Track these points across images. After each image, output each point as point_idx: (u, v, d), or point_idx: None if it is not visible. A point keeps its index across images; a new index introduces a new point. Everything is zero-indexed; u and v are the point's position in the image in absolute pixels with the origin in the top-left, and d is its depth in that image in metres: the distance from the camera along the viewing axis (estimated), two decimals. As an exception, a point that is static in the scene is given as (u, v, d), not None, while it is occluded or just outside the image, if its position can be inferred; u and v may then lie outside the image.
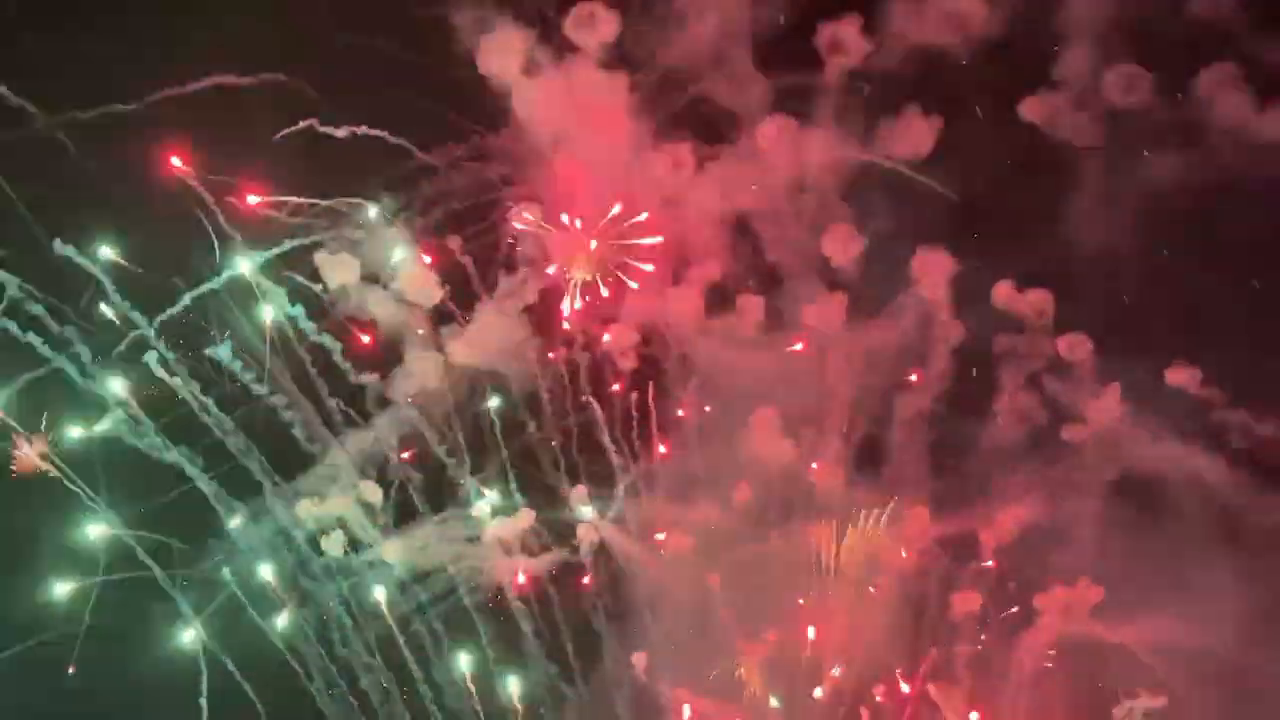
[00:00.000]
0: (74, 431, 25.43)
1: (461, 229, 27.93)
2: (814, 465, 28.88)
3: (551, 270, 28.38)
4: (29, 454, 24.80)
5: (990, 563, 28.86)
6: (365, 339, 27.56)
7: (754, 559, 29.16)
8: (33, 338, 24.86)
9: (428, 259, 27.33)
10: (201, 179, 25.88)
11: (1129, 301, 27.01)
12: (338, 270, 26.57)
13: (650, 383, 29.39)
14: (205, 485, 26.26)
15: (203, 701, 26.00)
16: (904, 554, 28.83)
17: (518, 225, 27.97)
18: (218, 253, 26.32)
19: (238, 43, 25.08)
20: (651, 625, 29.35)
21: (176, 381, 26.22)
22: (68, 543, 25.29)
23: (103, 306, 25.66)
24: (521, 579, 28.41)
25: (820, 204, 27.78)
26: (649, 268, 28.19)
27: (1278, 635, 26.52)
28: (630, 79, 26.91)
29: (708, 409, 29.00)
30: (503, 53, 26.22)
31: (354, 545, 27.25)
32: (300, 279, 27.10)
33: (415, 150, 27.38)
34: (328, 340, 27.51)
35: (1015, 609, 28.95)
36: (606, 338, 28.79)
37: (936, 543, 28.94)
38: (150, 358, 26.02)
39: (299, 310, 27.21)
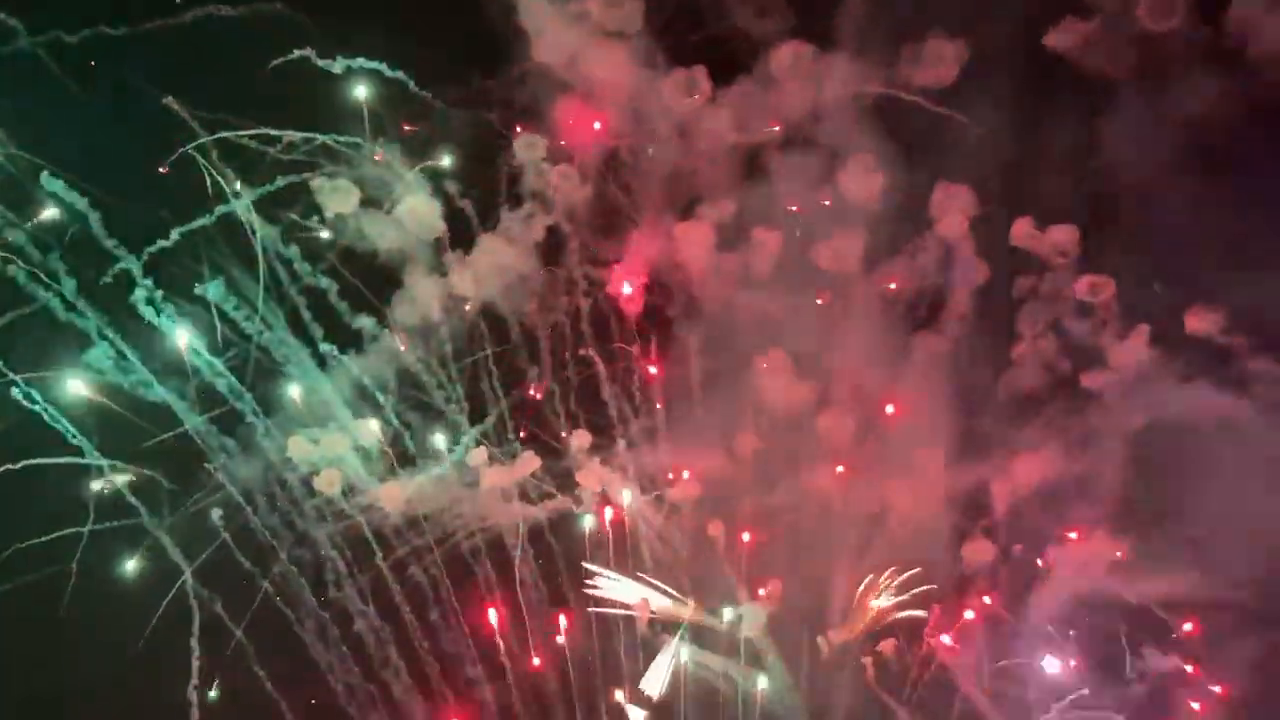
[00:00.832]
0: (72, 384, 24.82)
1: (465, 166, 27.04)
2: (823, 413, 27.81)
3: (555, 207, 27.35)
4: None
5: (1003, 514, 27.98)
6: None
7: (759, 509, 28.47)
8: (15, 271, 24.12)
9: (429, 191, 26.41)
10: (193, 113, 25.17)
11: (1157, 240, 25.60)
12: (335, 198, 25.65)
13: (656, 326, 28.53)
14: (194, 422, 25.49)
15: (193, 643, 25.46)
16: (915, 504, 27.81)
17: (521, 158, 26.92)
18: (210, 188, 25.57)
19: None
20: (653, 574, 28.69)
21: (164, 320, 25.48)
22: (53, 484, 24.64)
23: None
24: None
25: (839, 136, 26.56)
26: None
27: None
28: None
29: (715, 353, 27.92)
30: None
31: (348, 490, 26.56)
32: (296, 218, 26.39)
33: (415, 87, 26.50)
34: (324, 281, 26.74)
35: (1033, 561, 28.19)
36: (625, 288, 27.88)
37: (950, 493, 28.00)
38: (138, 296, 25.27)
39: (294, 251, 26.45)
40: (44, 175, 24.28)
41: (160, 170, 25.29)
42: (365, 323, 26.91)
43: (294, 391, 26.22)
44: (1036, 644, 28.51)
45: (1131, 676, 28.08)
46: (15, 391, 24.22)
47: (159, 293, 25.41)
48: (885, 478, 27.99)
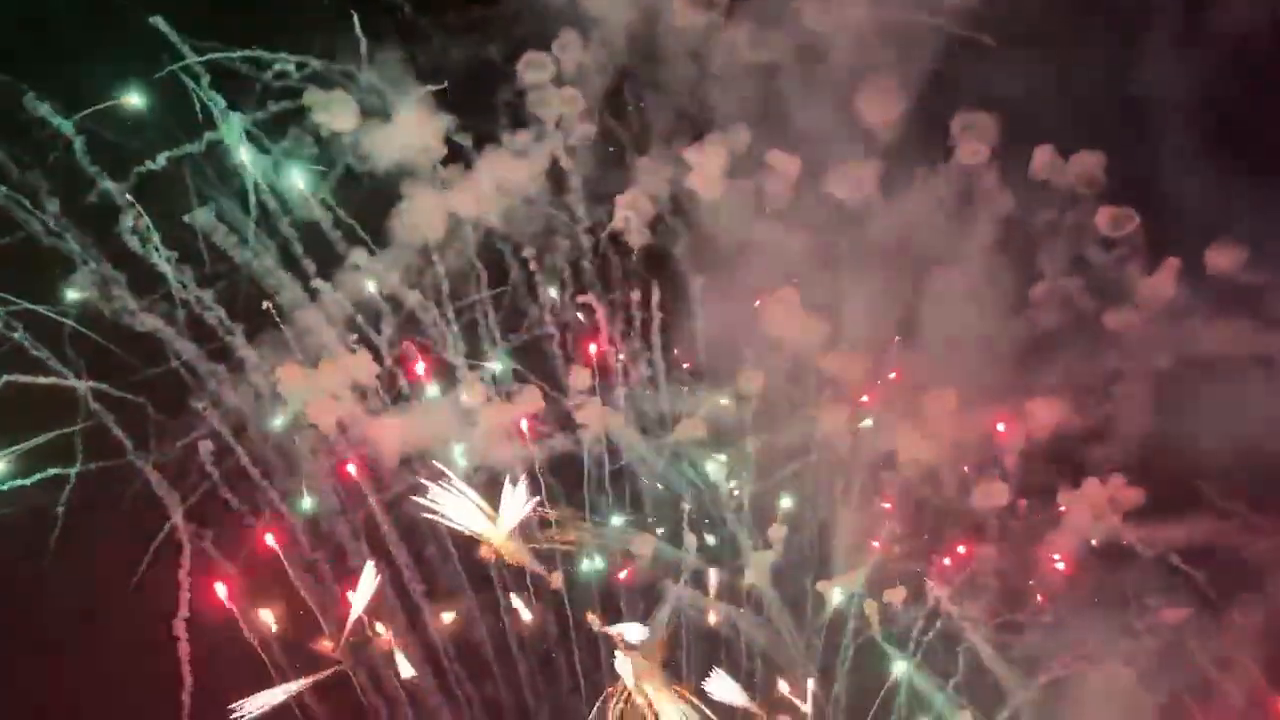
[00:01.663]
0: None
1: (465, 92, 25.99)
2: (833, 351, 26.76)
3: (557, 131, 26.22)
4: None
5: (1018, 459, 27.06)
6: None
7: (764, 450, 27.66)
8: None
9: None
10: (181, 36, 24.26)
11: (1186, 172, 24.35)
12: (332, 111, 24.69)
13: (662, 264, 27.47)
14: (182, 351, 24.71)
15: (183, 575, 24.87)
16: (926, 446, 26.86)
17: (526, 80, 25.80)
18: (199, 113, 24.72)
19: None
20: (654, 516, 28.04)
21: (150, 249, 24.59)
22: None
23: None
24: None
25: (857, 57, 25.24)
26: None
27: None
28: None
29: (722, 290, 26.91)
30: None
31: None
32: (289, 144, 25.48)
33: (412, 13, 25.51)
34: (318, 212, 25.83)
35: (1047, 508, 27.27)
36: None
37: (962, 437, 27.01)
38: (124, 224, 24.47)
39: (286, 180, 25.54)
40: (27, 98, 23.59)
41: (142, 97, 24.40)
42: (360, 256, 26.07)
43: (284, 324, 25.38)
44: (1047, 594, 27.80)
45: (1141, 628, 27.45)
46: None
47: (145, 220, 24.68)
48: (895, 420, 27.05)
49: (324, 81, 25.25)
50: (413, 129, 25.06)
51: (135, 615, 24.91)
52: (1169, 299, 25.63)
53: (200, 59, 24.49)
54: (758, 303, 26.52)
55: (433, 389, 26.82)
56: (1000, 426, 26.97)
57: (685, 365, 27.99)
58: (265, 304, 25.56)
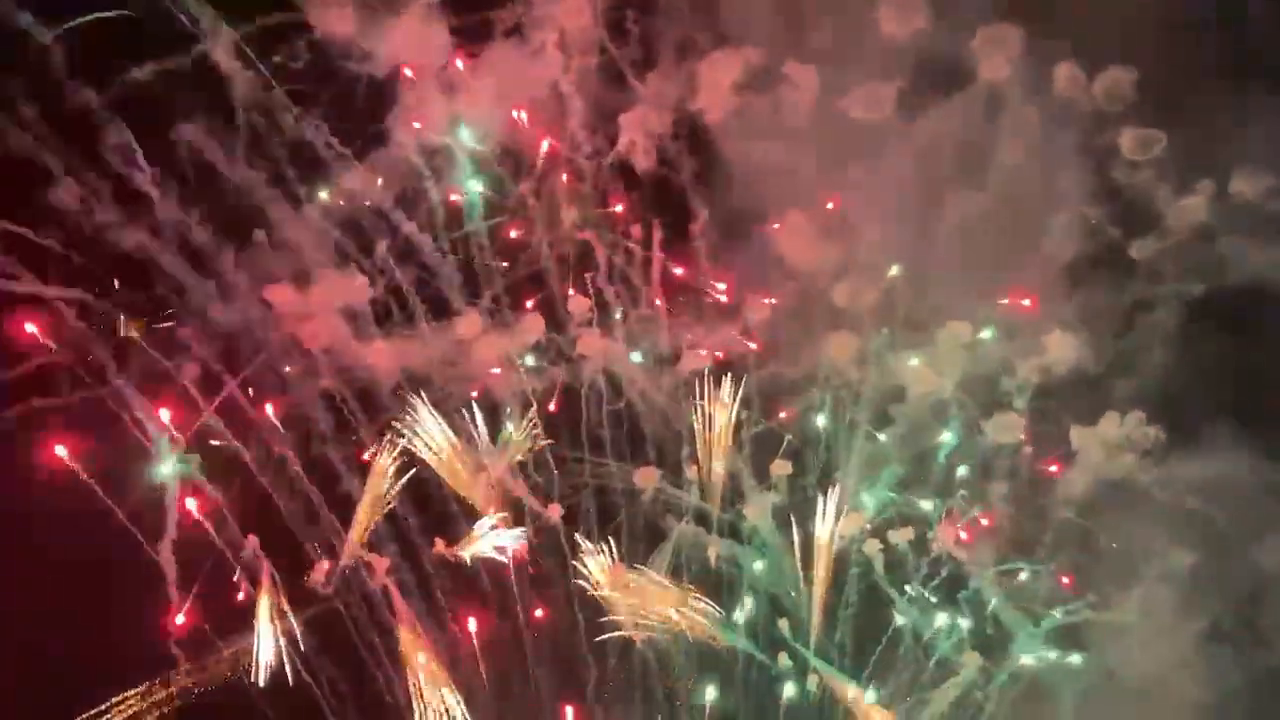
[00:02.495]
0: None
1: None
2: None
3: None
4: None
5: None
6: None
7: (770, 382, 26.86)
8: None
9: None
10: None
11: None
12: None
13: (669, 187, 26.24)
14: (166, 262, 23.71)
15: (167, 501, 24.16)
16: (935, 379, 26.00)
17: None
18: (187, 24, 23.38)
19: None
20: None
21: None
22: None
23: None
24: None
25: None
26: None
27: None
28: None
29: (731, 214, 25.86)
30: None
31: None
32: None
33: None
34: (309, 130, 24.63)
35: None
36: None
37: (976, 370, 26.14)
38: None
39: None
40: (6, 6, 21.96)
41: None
42: (355, 179, 24.94)
43: (273, 242, 24.30)
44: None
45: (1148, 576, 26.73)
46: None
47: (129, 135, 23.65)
48: (907, 351, 26.15)
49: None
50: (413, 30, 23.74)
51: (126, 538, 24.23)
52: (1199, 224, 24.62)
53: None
54: (768, 228, 25.54)
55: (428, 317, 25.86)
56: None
57: (690, 296, 27.10)
58: (257, 232, 24.52)
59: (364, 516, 25.40)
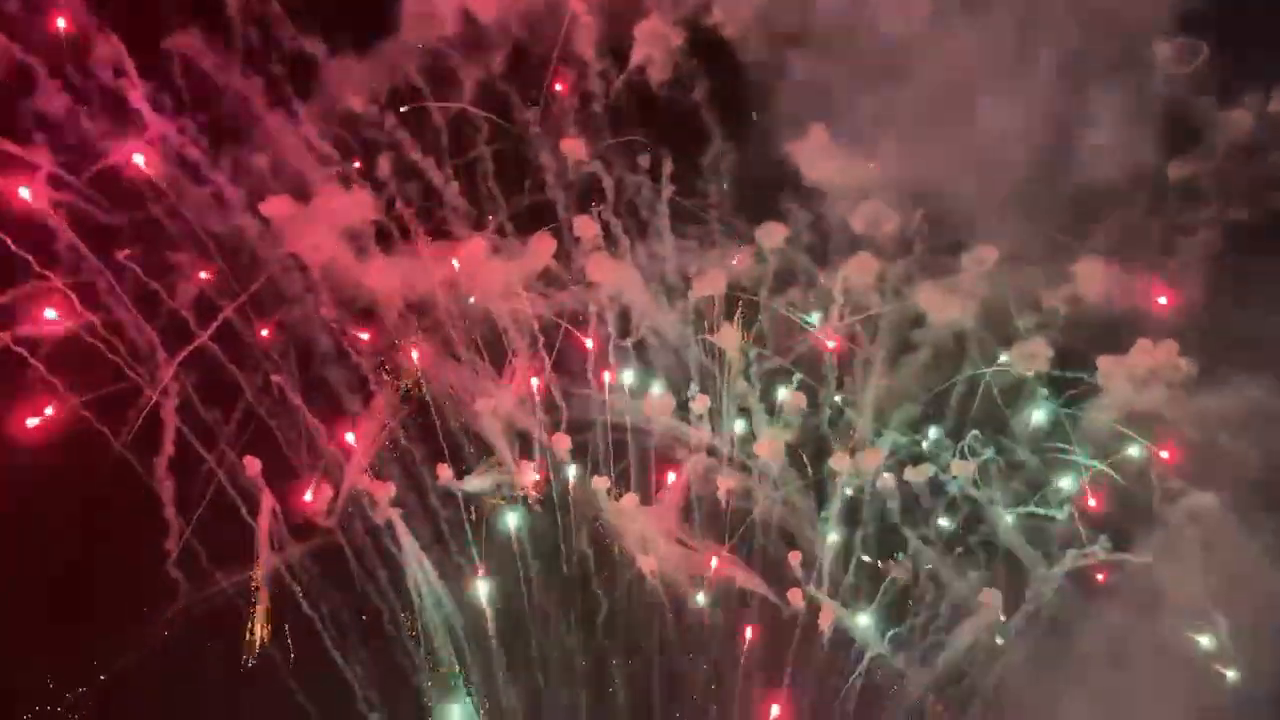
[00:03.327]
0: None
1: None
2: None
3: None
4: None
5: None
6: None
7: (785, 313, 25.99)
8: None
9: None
10: None
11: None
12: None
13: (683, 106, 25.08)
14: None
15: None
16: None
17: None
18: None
19: None
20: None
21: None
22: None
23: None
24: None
25: None
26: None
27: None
28: None
29: (748, 132, 24.73)
30: None
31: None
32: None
33: None
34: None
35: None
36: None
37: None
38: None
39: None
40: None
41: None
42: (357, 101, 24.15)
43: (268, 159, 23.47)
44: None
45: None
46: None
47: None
48: (925, 278, 25.08)
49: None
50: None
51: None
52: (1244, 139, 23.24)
53: None
54: (787, 146, 24.32)
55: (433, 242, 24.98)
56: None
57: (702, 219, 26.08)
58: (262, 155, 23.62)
59: (367, 445, 24.77)
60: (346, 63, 23.80)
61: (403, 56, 23.96)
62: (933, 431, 26.78)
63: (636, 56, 24.48)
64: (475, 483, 25.79)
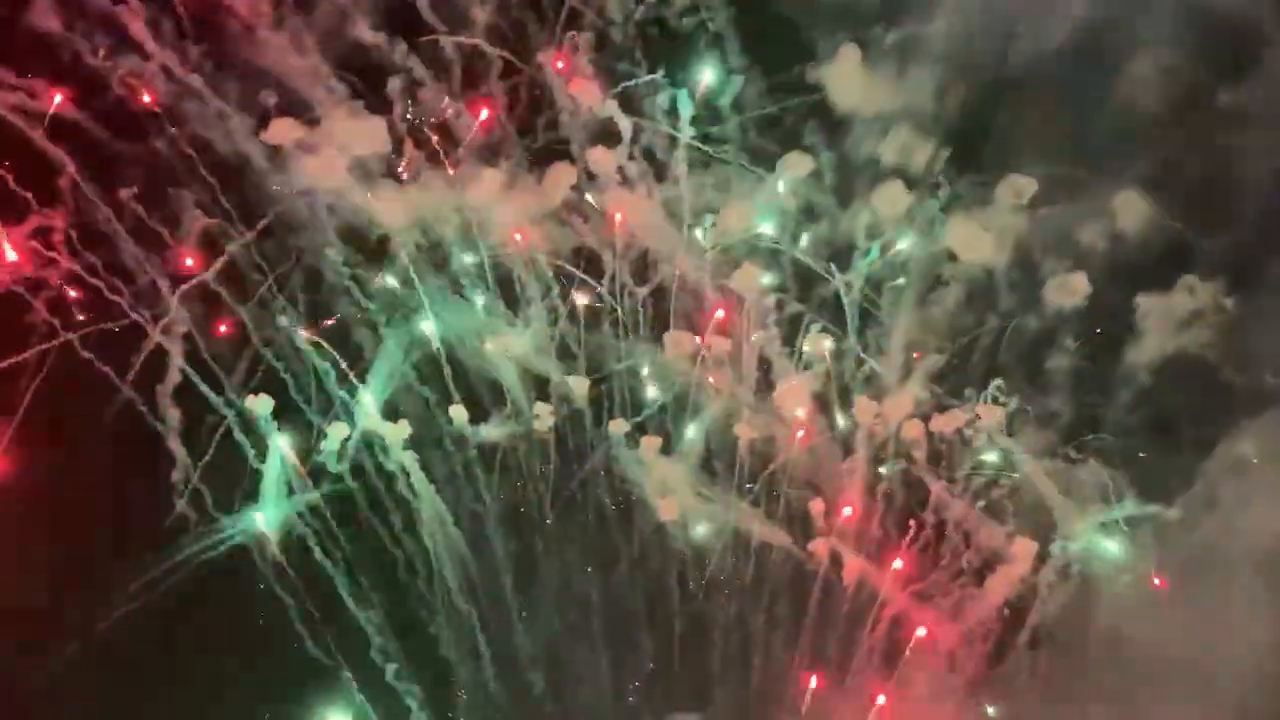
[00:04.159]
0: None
1: None
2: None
3: None
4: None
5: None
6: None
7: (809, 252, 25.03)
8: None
9: None
10: None
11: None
12: None
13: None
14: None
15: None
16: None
17: None
18: None
19: None
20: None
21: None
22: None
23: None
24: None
25: None
26: None
27: None
28: None
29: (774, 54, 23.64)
30: None
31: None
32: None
33: None
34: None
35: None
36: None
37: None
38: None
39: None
40: None
41: None
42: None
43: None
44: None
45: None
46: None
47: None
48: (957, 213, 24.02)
49: None
50: None
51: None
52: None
53: None
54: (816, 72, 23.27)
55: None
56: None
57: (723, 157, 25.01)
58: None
59: (379, 386, 24.04)
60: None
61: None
62: (961, 377, 25.92)
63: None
64: (490, 429, 25.11)
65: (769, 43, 23.91)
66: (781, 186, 24.42)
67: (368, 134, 22.30)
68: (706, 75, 24.29)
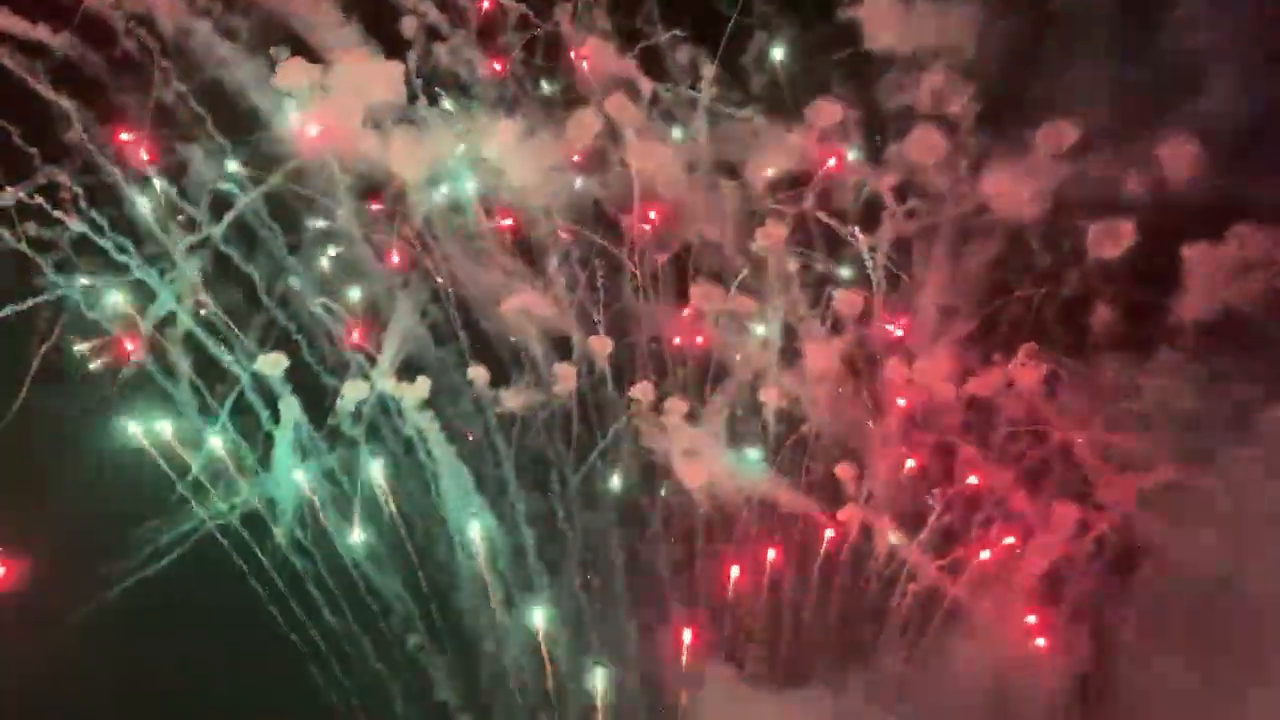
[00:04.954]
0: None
1: None
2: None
3: None
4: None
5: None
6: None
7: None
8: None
9: None
10: None
11: None
12: None
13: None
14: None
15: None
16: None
17: None
18: None
19: None
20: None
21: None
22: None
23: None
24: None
25: None
26: None
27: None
28: None
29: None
30: None
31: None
32: None
33: None
34: None
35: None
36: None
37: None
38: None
39: None
40: None
41: None
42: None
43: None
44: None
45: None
46: None
47: None
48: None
49: None
50: None
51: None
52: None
53: None
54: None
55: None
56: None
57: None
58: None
59: (393, 345, 23.29)
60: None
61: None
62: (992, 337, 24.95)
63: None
64: (511, 396, 24.36)
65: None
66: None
67: (382, 79, 21.47)
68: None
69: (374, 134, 21.49)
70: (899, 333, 25.17)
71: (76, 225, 21.61)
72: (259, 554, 23.01)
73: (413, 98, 22.46)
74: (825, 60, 22.87)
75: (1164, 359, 23.73)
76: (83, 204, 21.73)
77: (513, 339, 24.30)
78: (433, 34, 22.96)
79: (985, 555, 25.45)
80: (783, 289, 24.93)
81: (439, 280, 23.83)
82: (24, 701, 20.99)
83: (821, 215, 24.52)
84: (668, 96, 24.02)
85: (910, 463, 25.52)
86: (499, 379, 24.42)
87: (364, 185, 22.59)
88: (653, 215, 24.11)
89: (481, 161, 22.88)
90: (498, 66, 23.61)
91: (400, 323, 23.18)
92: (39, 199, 21.42)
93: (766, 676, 25.40)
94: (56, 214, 21.54)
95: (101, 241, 21.98)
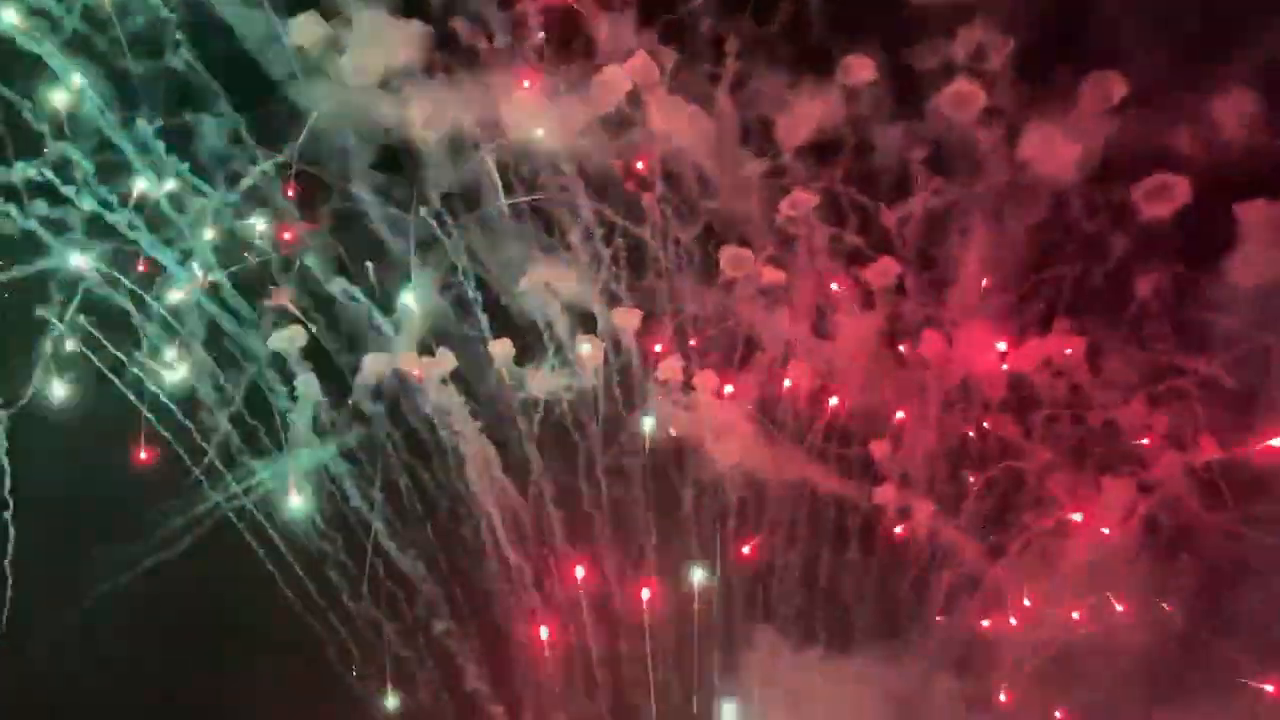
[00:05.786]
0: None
1: None
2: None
3: None
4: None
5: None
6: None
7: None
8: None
9: None
10: None
11: None
12: None
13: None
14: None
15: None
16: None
17: None
18: None
19: None
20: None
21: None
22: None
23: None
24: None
25: None
26: None
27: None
28: None
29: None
30: None
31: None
32: None
33: None
34: None
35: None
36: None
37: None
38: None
39: None
40: None
41: None
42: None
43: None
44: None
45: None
46: None
47: None
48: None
49: None
50: None
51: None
52: None
53: None
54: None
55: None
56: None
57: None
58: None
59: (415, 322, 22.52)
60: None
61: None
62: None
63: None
64: (535, 375, 23.62)
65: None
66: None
67: (402, 38, 20.67)
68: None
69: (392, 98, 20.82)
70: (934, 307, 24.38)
71: (87, 203, 21.16)
72: (275, 536, 22.40)
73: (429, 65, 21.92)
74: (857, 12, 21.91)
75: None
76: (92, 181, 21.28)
77: (537, 313, 23.59)
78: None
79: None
80: (812, 261, 24.20)
81: (459, 256, 23.13)
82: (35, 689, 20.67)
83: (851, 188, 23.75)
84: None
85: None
86: (522, 357, 23.72)
87: (381, 155, 21.93)
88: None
89: (500, 130, 22.12)
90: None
91: (421, 298, 22.47)
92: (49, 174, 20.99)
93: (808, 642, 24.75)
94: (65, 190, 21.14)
95: (112, 218, 21.51)
